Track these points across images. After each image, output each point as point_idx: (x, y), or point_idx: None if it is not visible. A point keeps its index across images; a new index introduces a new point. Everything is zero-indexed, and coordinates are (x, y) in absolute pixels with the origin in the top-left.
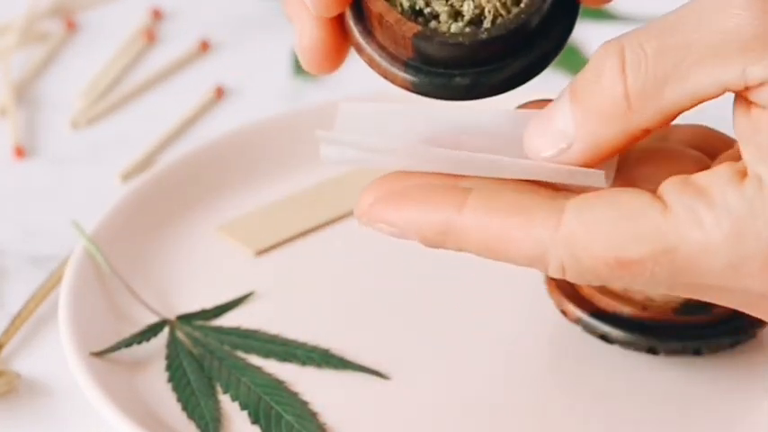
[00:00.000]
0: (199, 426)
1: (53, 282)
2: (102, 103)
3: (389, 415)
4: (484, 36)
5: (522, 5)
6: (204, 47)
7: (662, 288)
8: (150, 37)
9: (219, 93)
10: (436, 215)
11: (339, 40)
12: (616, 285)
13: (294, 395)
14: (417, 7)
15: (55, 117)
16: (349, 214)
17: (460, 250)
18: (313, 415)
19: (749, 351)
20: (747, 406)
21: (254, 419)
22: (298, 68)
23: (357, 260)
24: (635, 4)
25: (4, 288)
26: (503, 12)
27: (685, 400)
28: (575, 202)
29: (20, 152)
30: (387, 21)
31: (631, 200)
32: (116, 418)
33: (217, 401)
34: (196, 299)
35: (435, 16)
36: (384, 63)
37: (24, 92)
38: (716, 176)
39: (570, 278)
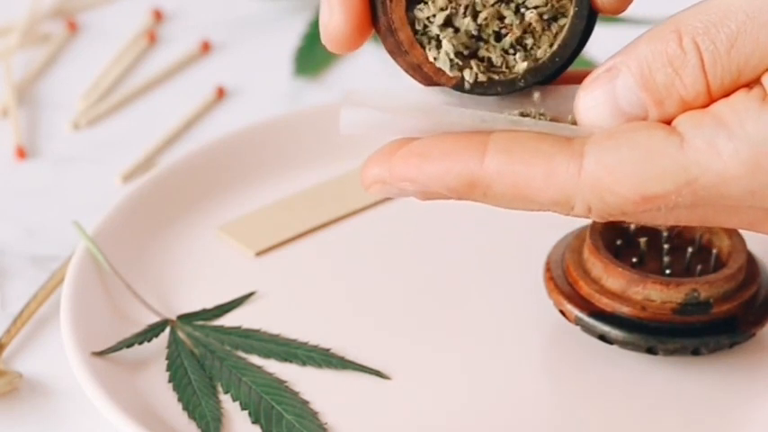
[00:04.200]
0: (199, 426)
1: (54, 282)
2: (104, 103)
3: (389, 415)
4: (521, 84)
5: (556, 46)
6: (205, 48)
7: (681, 215)
8: (151, 38)
9: (220, 93)
10: (459, 166)
11: (364, 26)
12: (639, 218)
13: (295, 395)
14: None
15: (56, 117)
16: (349, 214)
17: (485, 198)
18: (313, 415)
19: (748, 351)
20: (746, 406)
21: (255, 419)
22: (298, 69)
23: (357, 260)
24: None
25: (5, 288)
26: (540, 38)
27: (684, 400)
28: (593, 146)
29: (21, 152)
30: (425, 71)
31: (649, 137)
32: (117, 418)
33: (217, 401)
34: (197, 299)
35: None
36: (418, 78)
37: (26, 92)
38: (731, 104)
39: (594, 217)
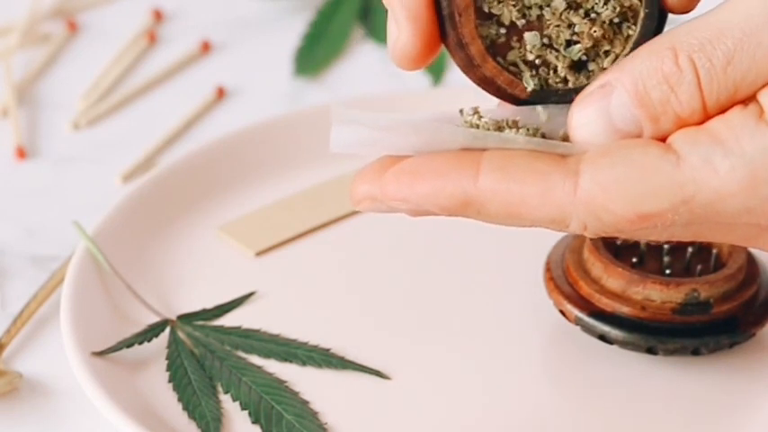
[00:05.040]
0: (199, 426)
1: (54, 282)
2: (104, 103)
3: (389, 415)
4: None
5: (629, 48)
6: (205, 48)
7: (677, 232)
8: (151, 38)
9: (220, 93)
10: (451, 185)
11: (433, 42)
12: (634, 235)
13: (295, 395)
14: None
15: (56, 117)
16: (349, 214)
17: (479, 216)
18: (313, 415)
19: (748, 351)
20: (746, 406)
21: (255, 419)
22: (298, 69)
23: (357, 260)
24: None
25: (5, 288)
26: (612, 42)
27: (684, 400)
28: (588, 164)
29: (21, 152)
30: (498, 84)
31: (644, 155)
32: (117, 418)
33: (217, 401)
34: (197, 299)
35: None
36: (490, 91)
37: (26, 92)
38: (727, 121)
39: (590, 234)
